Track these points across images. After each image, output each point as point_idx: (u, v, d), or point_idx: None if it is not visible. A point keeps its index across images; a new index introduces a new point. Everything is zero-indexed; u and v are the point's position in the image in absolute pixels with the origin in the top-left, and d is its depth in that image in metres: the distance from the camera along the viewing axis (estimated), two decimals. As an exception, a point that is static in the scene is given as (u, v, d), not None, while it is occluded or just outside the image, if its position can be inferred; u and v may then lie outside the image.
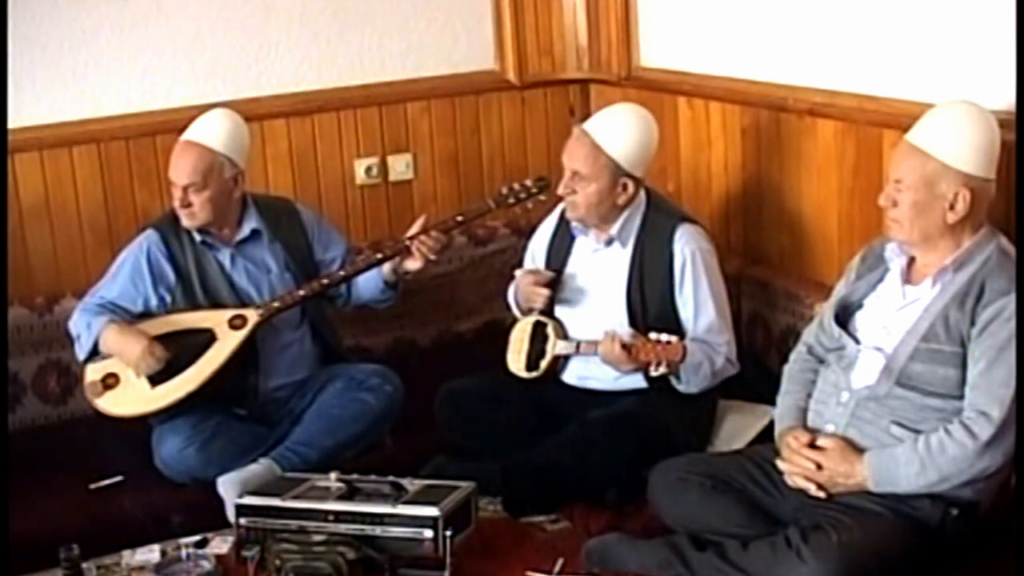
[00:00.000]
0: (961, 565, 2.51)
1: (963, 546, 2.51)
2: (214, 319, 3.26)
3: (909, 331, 2.55)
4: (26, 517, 2.90)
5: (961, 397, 2.48)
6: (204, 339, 3.23)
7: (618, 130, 3.16)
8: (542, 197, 3.43)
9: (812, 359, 2.82)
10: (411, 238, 3.33)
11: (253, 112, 3.74)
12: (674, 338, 2.99)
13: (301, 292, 3.30)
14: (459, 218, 3.41)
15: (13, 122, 3.56)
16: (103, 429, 3.33)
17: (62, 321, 3.48)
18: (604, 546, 2.74)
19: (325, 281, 3.34)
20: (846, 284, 2.79)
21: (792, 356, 2.88)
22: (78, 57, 3.68)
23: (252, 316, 3.26)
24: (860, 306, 2.71)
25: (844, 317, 2.72)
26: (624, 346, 3.01)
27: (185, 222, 3.29)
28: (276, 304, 3.28)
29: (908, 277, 2.64)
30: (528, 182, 3.44)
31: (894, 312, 2.62)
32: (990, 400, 2.41)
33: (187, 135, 3.31)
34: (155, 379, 3.20)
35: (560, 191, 3.21)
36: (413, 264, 3.34)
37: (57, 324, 3.52)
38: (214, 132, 3.29)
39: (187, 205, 3.25)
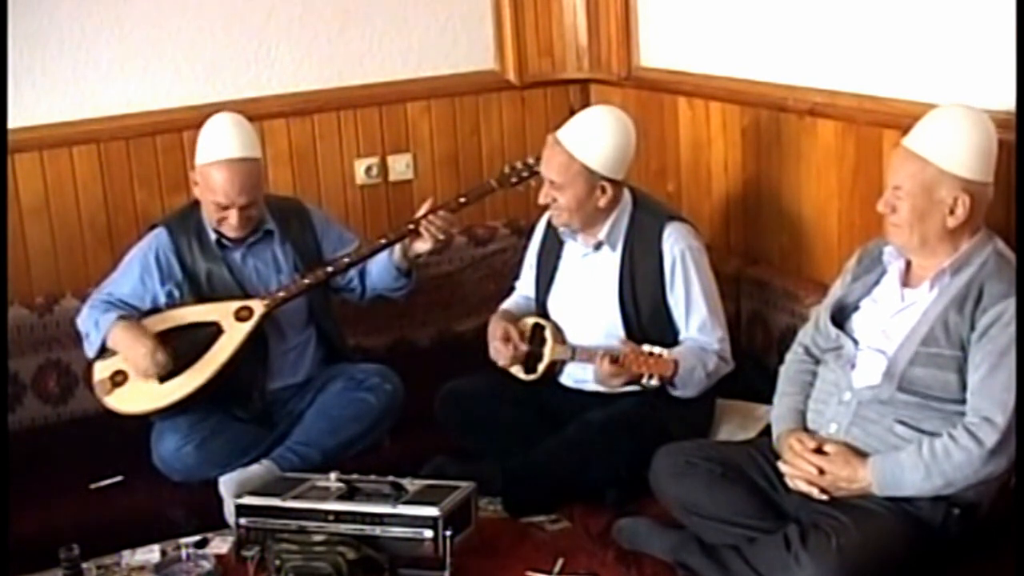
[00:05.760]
0: (961, 565, 2.51)
1: (963, 546, 2.51)
2: (220, 312, 3.26)
3: (908, 335, 2.55)
4: (26, 517, 2.90)
5: (962, 401, 2.47)
6: (211, 332, 3.23)
7: (590, 136, 3.13)
8: None
9: (809, 360, 2.81)
10: (418, 220, 3.32)
11: (253, 112, 3.72)
12: (665, 352, 2.98)
13: (306, 281, 3.29)
14: (462, 199, 3.41)
15: (13, 122, 3.56)
16: (103, 429, 3.33)
17: (62, 321, 3.49)
18: (635, 526, 2.80)
19: (329, 269, 3.32)
20: (842, 286, 2.78)
21: (788, 357, 2.87)
22: (78, 57, 3.68)
23: (258, 307, 3.26)
24: (856, 308, 2.71)
25: (840, 319, 2.72)
26: (613, 359, 3.01)
27: (233, 233, 3.27)
28: (281, 294, 3.27)
29: (906, 280, 2.63)
30: (530, 159, 3.40)
31: (892, 316, 2.61)
32: (993, 406, 2.41)
33: (222, 154, 3.20)
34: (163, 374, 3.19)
35: (541, 200, 3.21)
36: (423, 245, 3.33)
37: (57, 324, 3.52)
38: (241, 139, 3.23)
39: (244, 219, 3.23)
